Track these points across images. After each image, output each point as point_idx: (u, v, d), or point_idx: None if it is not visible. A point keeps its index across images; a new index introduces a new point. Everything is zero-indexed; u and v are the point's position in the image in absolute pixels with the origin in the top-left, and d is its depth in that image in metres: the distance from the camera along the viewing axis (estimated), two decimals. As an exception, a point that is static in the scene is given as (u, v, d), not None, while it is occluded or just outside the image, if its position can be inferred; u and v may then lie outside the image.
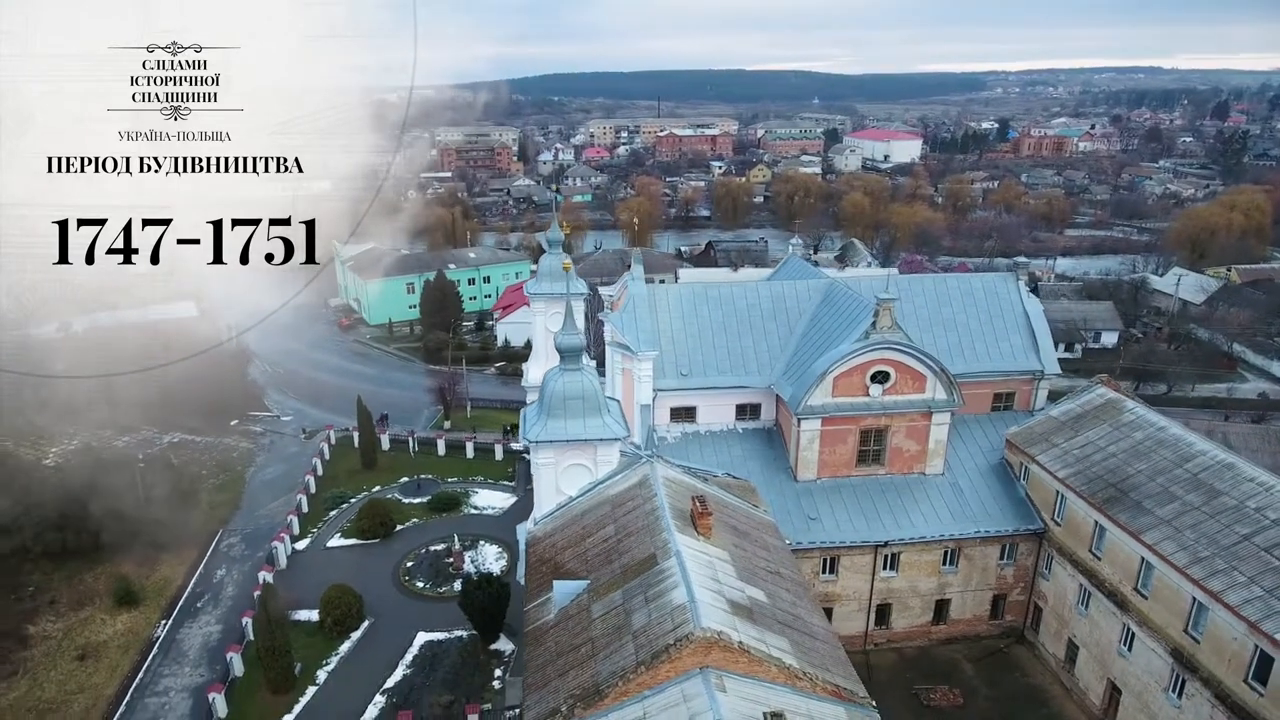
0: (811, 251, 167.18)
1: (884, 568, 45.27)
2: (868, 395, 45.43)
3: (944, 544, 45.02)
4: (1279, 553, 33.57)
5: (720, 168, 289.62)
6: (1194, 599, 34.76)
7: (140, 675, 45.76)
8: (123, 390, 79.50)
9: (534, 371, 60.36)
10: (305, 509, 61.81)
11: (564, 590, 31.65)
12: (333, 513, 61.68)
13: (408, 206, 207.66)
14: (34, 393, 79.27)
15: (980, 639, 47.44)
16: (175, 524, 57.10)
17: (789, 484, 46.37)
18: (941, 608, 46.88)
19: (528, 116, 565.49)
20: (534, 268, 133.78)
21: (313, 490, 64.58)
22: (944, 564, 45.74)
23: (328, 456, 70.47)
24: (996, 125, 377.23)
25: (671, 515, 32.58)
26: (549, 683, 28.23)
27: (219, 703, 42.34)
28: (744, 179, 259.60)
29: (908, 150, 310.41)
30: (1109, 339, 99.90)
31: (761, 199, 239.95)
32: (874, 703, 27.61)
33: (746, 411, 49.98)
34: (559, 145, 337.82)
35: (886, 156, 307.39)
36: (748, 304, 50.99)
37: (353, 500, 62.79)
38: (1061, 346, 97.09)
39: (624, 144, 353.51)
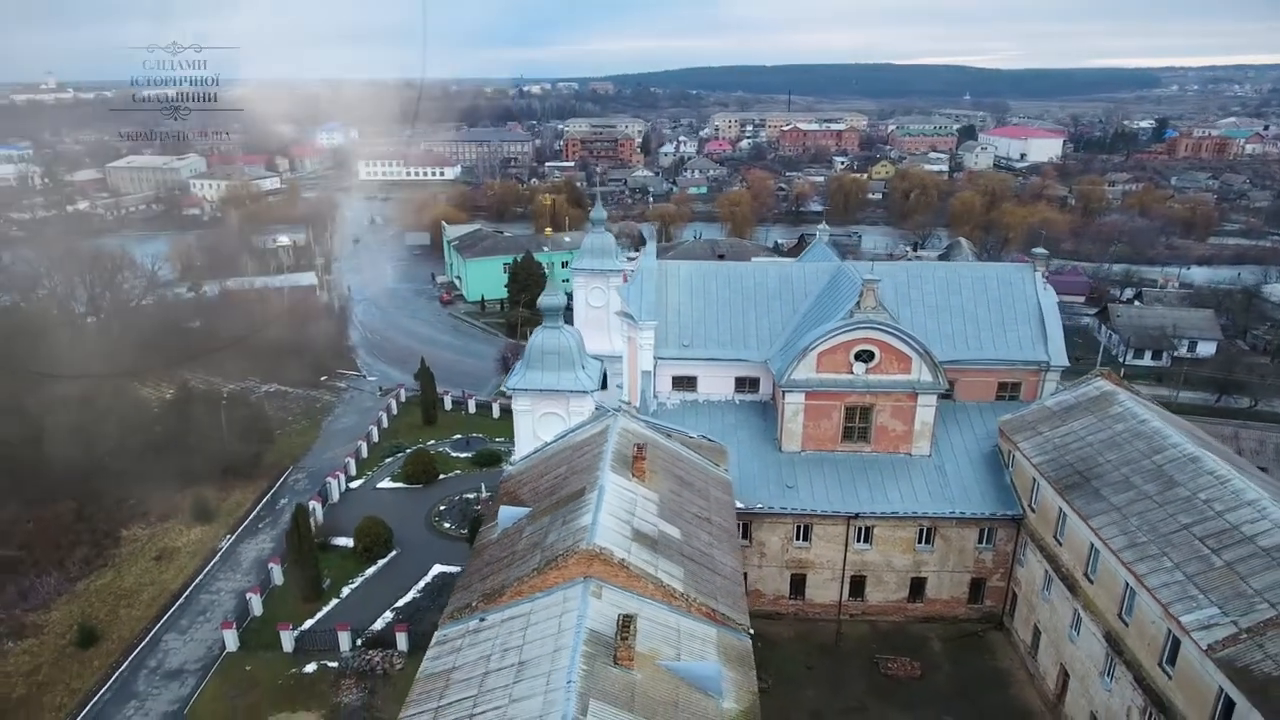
0: (911, 249, 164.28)
1: (857, 540, 46.81)
2: (851, 373, 47.01)
3: (918, 521, 46.08)
4: (1211, 542, 33.45)
5: (843, 163, 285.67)
6: (1126, 584, 34.99)
7: (200, 577, 53.65)
8: (239, 343, 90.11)
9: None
10: (364, 454, 68.89)
11: (507, 515, 35.87)
12: (388, 460, 68.46)
13: (526, 193, 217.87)
14: (161, 340, 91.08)
15: (958, 621, 48.09)
16: (252, 458, 65.34)
17: (773, 453, 48.59)
18: (918, 586, 47.87)
19: (663, 109, 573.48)
20: (632, 255, 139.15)
21: (375, 439, 71.72)
22: (919, 542, 46.78)
23: (395, 412, 77.71)
24: (1153, 124, 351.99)
25: (612, 458, 36.13)
26: (471, 585, 32.58)
27: (255, 602, 49.31)
28: (864, 175, 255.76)
29: (1047, 149, 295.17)
30: (1206, 348, 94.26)
31: (879, 195, 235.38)
32: (751, 630, 30.29)
33: (745, 385, 52.39)
34: (683, 138, 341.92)
35: (1023, 155, 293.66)
36: (755, 283, 53.36)
37: (408, 450, 69.29)
38: (1149, 354, 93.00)
39: (748, 137, 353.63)
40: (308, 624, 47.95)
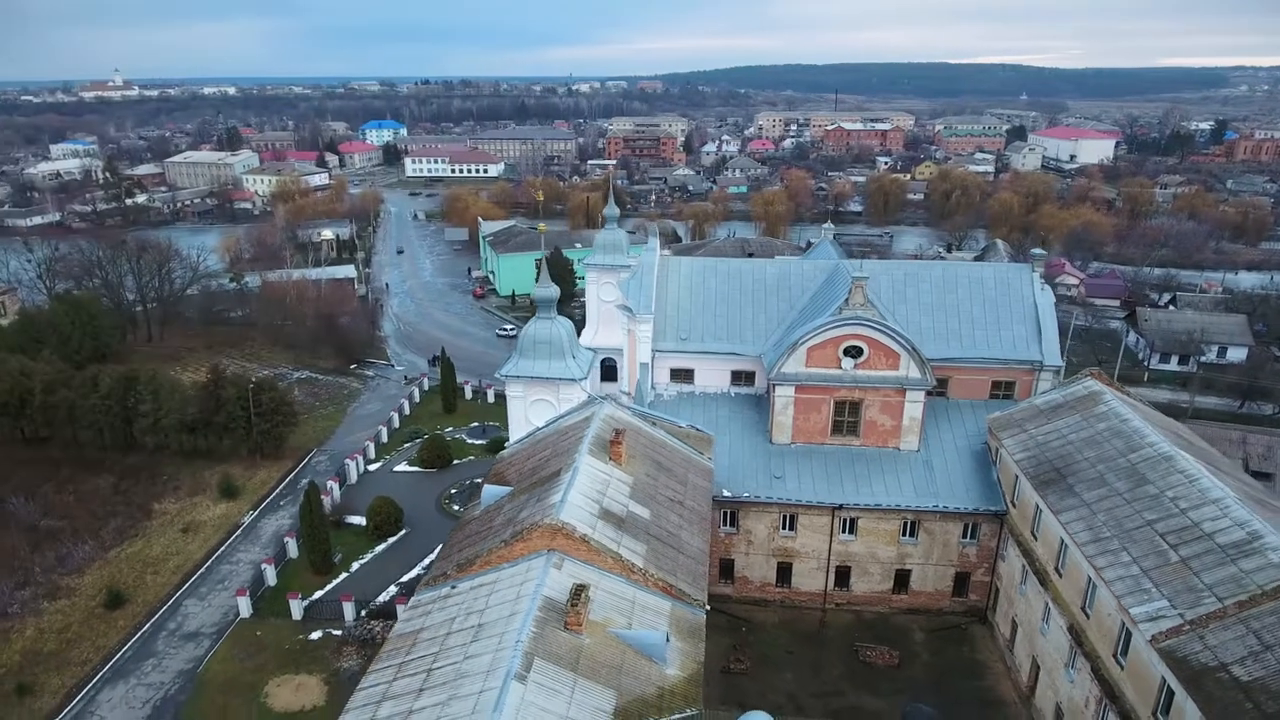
0: (945, 249, 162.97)
1: (842, 530, 47.88)
2: (840, 368, 48.08)
3: (901, 514, 46.99)
4: (1172, 538, 34.00)
5: (886, 163, 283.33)
6: (1089, 578, 35.68)
7: (221, 548, 56.87)
8: (275, 331, 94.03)
9: (587, 335, 66.60)
10: (384, 439, 71.78)
11: (489, 493, 37.94)
12: (406, 445, 71.22)
13: (565, 191, 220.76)
14: (202, 327, 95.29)
15: (942, 614, 48.86)
16: (277, 439, 68.65)
17: (764, 445, 49.88)
18: (903, 578, 48.75)
19: (710, 108, 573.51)
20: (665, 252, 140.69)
21: (396, 425, 74.58)
22: (903, 535, 47.67)
23: (417, 399, 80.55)
24: (1212, 125, 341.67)
25: (591, 443, 37.94)
26: (449, 556, 34.74)
27: (269, 573, 52.28)
28: (907, 175, 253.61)
29: (1098, 150, 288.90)
30: (1237, 354, 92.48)
31: (921, 196, 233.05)
32: (706, 606, 31.83)
33: (741, 378, 53.71)
34: (726, 137, 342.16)
35: (1073, 156, 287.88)
36: (753, 280, 54.65)
37: (425, 436, 71.95)
38: (1175, 359, 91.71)
39: (791, 137, 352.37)
40: (317, 595, 50.72)
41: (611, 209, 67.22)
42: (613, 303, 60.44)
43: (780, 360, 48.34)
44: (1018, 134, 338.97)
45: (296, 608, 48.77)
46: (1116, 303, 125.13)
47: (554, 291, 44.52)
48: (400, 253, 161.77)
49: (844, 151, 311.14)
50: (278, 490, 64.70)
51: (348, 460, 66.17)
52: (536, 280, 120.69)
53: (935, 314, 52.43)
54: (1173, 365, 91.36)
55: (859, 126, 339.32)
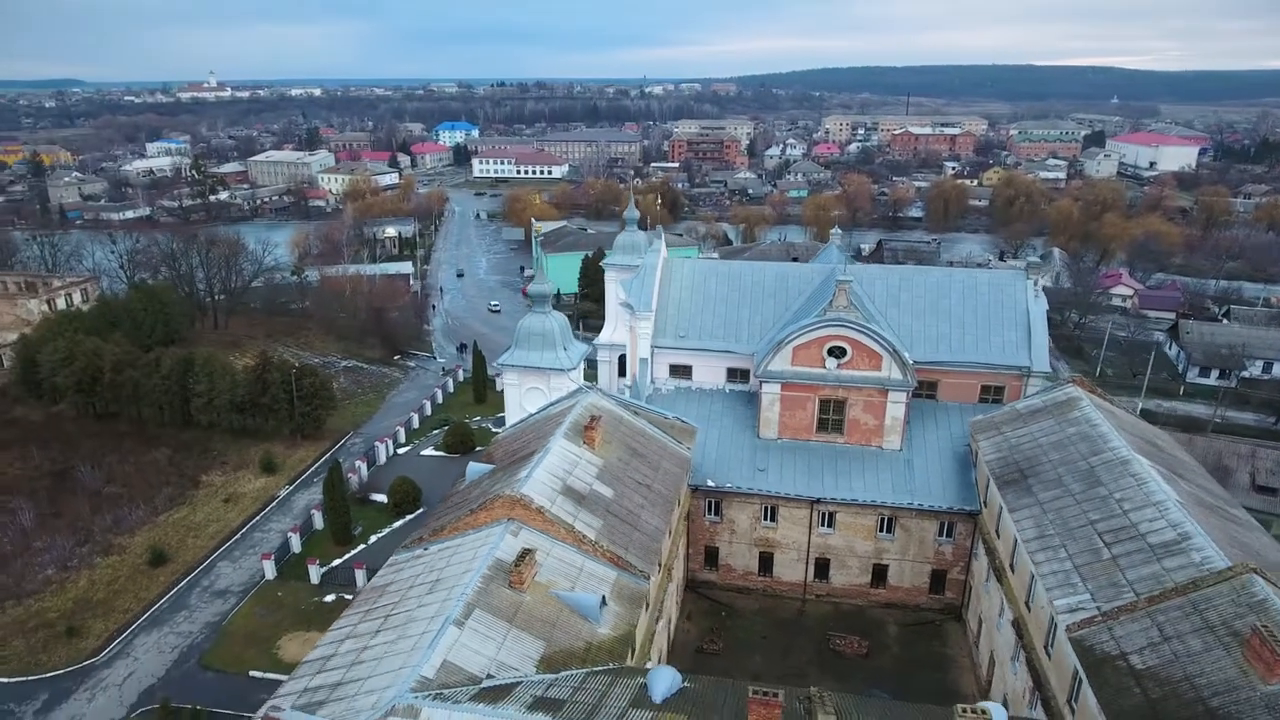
0: (997, 256, 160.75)
1: (821, 524, 49.87)
2: (824, 367, 50.09)
3: (878, 510, 48.71)
4: (1108, 537, 35.26)
5: (953, 168, 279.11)
6: (1031, 574, 37.10)
7: (256, 518, 62.01)
8: (330, 322, 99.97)
9: (605, 332, 69.80)
10: (416, 425, 76.39)
11: (473, 470, 41.50)
12: (435, 431, 75.64)
13: (623, 192, 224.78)
14: (265, 317, 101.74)
15: (919, 609, 50.35)
16: (316, 421, 73.90)
17: (751, 439, 52.20)
18: (880, 573, 50.43)
19: (782, 111, 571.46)
20: (705, 256, 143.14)
21: (428, 413, 79.17)
22: (881, 530, 49.37)
23: (451, 389, 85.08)
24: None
25: (568, 427, 41.17)
26: (428, 524, 38.27)
27: (294, 541, 57.08)
28: (974, 181, 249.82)
29: (1179, 157, 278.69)
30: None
31: (985, 202, 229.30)
32: (648, 576, 34.61)
33: (737, 375, 56.05)
34: (791, 140, 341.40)
35: (1152, 164, 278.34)
36: (752, 281, 56.97)
37: (454, 423, 76.25)
38: (1215, 373, 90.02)
39: (858, 141, 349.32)
40: (335, 563, 55.22)
41: (631, 212, 70.15)
42: (620, 301, 63.44)
43: (767, 358, 50.64)
44: (1096, 139, 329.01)
45: (315, 573, 53.31)
46: (1171, 315, 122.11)
47: (549, 288, 47.90)
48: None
49: (911, 156, 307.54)
50: (314, 468, 69.78)
51: (377, 443, 70.92)
52: (579, 280, 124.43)
53: (927, 318, 53.87)
54: (1211, 379, 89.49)
55: (927, 131, 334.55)
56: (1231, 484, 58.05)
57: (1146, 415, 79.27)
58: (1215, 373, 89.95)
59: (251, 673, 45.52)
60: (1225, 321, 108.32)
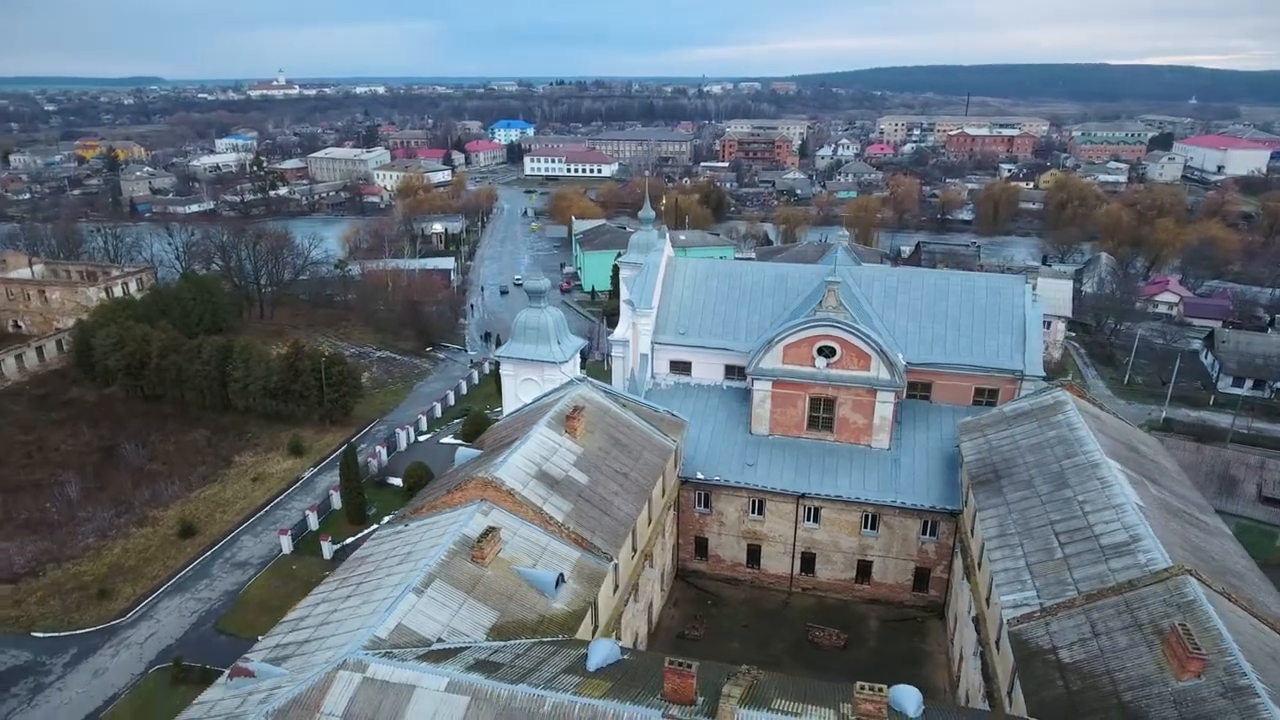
0: (1041, 262, 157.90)
1: (807, 519, 51.03)
2: (814, 366, 51.22)
3: (862, 507, 49.67)
4: (1064, 537, 35.94)
5: (1009, 170, 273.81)
6: (991, 572, 37.89)
7: (280, 496, 65.68)
8: (369, 314, 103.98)
9: (621, 328, 71.80)
10: (438, 414, 79.47)
11: (462, 454, 43.97)
12: (456, 420, 78.60)
13: (671, 192, 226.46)
14: (309, 308, 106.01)
15: (903, 606, 51.15)
16: (343, 407, 77.51)
17: (743, 434, 53.60)
18: (865, 569, 51.36)
19: (842, 110, 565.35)
20: (741, 255, 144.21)
21: (451, 403, 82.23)
22: (865, 527, 50.32)
23: (476, 381, 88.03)
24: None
25: (551, 416, 43.27)
26: (411, 503, 40.75)
27: (311, 518, 60.50)
28: (1029, 184, 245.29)
29: (1250, 160, 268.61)
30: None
31: (1038, 205, 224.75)
32: (611, 557, 36.45)
33: (735, 373, 57.32)
34: (845, 141, 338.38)
35: (1220, 167, 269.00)
36: (752, 281, 58.24)
37: (474, 413, 79.08)
38: (1249, 383, 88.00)
39: (913, 142, 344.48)
40: (347, 540, 58.30)
41: (647, 212, 72.02)
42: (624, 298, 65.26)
43: (759, 356, 51.99)
44: (1163, 142, 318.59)
45: (327, 549, 56.51)
46: (1219, 324, 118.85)
47: (544, 283, 50.03)
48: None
49: (967, 157, 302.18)
50: (338, 452, 73.16)
51: (399, 430, 74.16)
52: (612, 277, 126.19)
53: (923, 320, 54.50)
54: (1245, 390, 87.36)
55: (984, 132, 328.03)
56: (1237, 494, 57.30)
57: (1168, 424, 78.27)
58: (1249, 383, 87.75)
59: (260, 638, 48.61)
60: (1270, 331, 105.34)
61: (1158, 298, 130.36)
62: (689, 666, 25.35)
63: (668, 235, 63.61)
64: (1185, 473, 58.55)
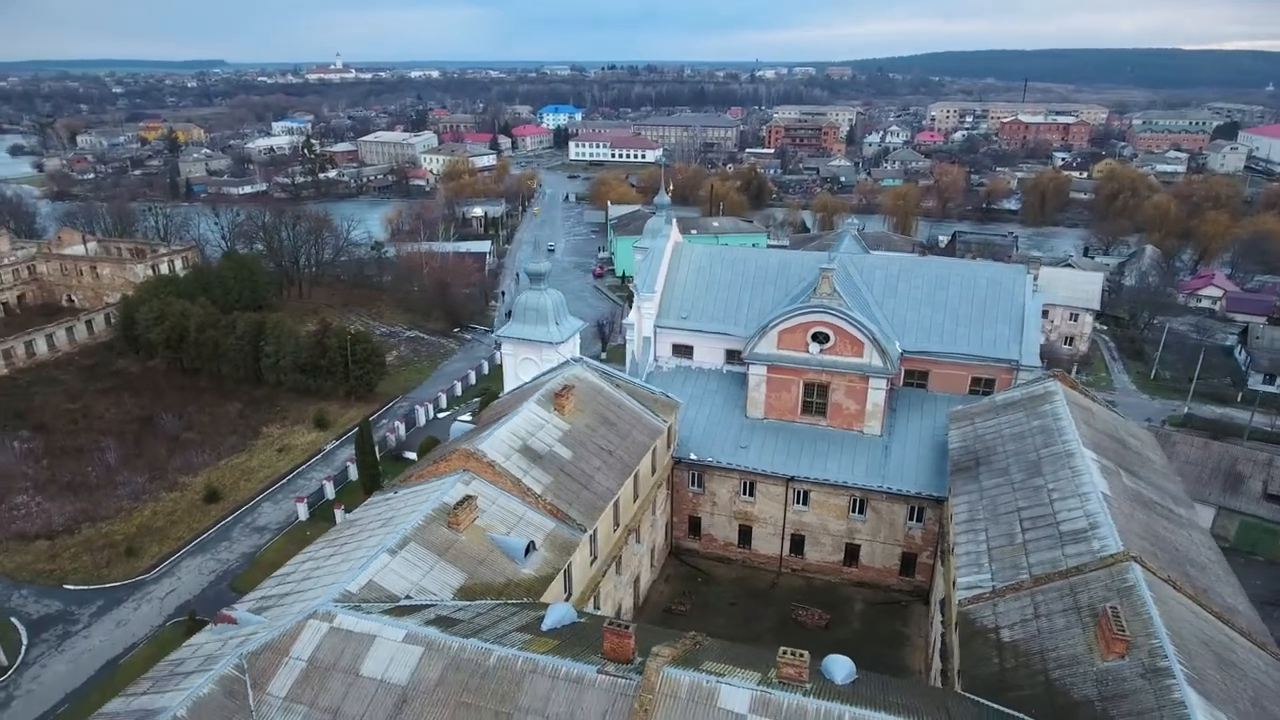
0: (1082, 253, 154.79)
1: (796, 501, 52.07)
2: (808, 352, 52.07)
3: (849, 491, 50.51)
4: (1027, 524, 36.52)
5: (1063, 159, 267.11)
6: (955, 555, 38.61)
7: (302, 467, 68.86)
8: (402, 295, 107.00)
9: (631, 312, 73.27)
10: (459, 393, 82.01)
11: (456, 429, 46.17)
12: (475, 400, 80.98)
13: (711, 178, 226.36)
14: (346, 288, 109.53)
15: (890, 590, 51.94)
16: (369, 385, 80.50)
17: (738, 417, 54.75)
18: (853, 552, 52.24)
19: (898, 96, 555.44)
20: (774, 242, 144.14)
21: (472, 382, 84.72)
22: (853, 511, 51.16)
23: (497, 361, 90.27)
24: None
25: (542, 394, 45.04)
26: (402, 474, 42.93)
27: (328, 488, 63.44)
28: (1082, 174, 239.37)
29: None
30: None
31: (1089, 196, 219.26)
32: (585, 528, 38.13)
33: (735, 357, 58.33)
34: (895, 128, 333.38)
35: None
36: (756, 267, 59.13)
37: (491, 392, 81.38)
38: (1264, 378, 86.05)
39: (965, 129, 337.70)
40: (358, 509, 60.98)
41: (662, 198, 73.04)
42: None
43: (754, 341, 53.02)
44: (1228, 131, 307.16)
45: (339, 516, 59.08)
46: (1263, 320, 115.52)
47: (545, 266, 51.69)
48: (551, 250, 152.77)
49: (1020, 145, 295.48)
50: (359, 426, 76.20)
51: (418, 407, 76.84)
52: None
53: (922, 308, 54.85)
54: (1276, 386, 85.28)
55: (1039, 119, 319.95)
56: (1243, 491, 56.58)
57: (1189, 419, 77.06)
58: (1264, 378, 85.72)
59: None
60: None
61: (1201, 292, 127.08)
62: (627, 628, 26.88)
63: (674, 221, 64.63)
64: (1190, 468, 58.36)
